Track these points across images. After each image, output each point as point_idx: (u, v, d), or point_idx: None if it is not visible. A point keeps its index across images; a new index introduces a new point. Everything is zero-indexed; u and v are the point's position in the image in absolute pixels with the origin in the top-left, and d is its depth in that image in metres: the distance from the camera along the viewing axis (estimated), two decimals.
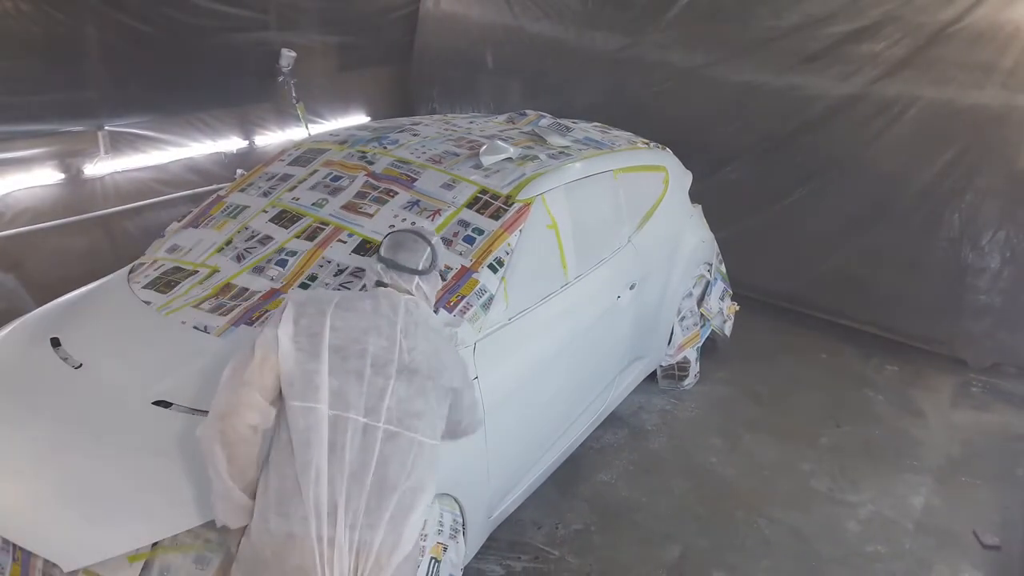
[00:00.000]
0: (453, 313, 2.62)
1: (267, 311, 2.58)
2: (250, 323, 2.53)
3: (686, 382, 4.39)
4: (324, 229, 2.90)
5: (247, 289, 2.71)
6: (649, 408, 4.22)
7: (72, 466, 2.09)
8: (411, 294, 2.07)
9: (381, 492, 1.81)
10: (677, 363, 4.33)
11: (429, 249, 2.13)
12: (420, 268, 2.09)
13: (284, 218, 3.01)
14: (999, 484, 3.79)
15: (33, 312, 2.86)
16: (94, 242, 4.84)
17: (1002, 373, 4.77)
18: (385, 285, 2.07)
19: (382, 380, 1.88)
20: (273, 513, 1.77)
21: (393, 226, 2.79)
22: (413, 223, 2.82)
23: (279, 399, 1.86)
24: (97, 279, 3.03)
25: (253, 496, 1.83)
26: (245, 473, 1.82)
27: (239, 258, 2.87)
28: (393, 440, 1.85)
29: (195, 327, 2.53)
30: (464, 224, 2.89)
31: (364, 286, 2.43)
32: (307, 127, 5.94)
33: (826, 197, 5.05)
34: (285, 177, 3.27)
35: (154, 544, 1.93)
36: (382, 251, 2.12)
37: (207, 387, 2.07)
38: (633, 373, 3.95)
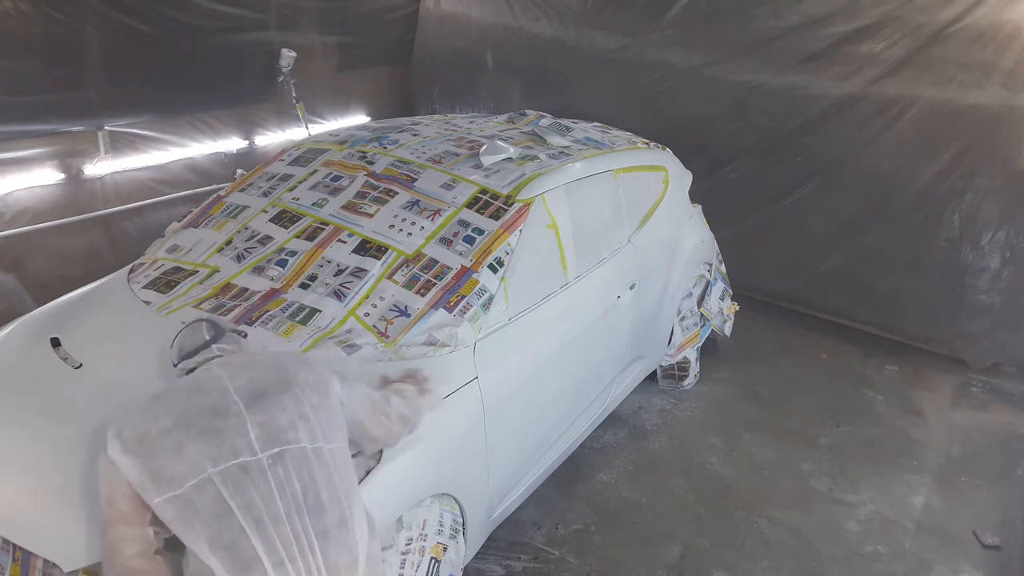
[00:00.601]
0: (453, 313, 2.62)
1: (267, 311, 2.59)
2: (250, 323, 2.53)
3: (686, 382, 4.39)
4: (324, 229, 2.91)
5: (247, 289, 2.72)
6: (649, 408, 4.22)
7: (72, 466, 2.09)
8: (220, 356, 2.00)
9: (301, 515, 1.73)
10: (677, 363, 4.33)
11: (203, 323, 2.06)
12: (208, 339, 2.02)
13: (284, 218, 3.01)
14: (999, 484, 3.79)
15: (33, 312, 2.85)
16: (94, 242, 4.85)
17: (1002, 373, 4.77)
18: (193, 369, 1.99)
19: (234, 420, 1.77)
20: None
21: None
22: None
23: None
24: (97, 279, 3.03)
25: None
26: None
27: (239, 258, 2.87)
28: (281, 461, 1.76)
29: None
30: (464, 224, 2.90)
31: None
32: (307, 127, 5.94)
33: (826, 197, 5.05)
34: (285, 177, 3.27)
35: None
36: (174, 360, 2.04)
37: None
38: (633, 373, 3.95)
